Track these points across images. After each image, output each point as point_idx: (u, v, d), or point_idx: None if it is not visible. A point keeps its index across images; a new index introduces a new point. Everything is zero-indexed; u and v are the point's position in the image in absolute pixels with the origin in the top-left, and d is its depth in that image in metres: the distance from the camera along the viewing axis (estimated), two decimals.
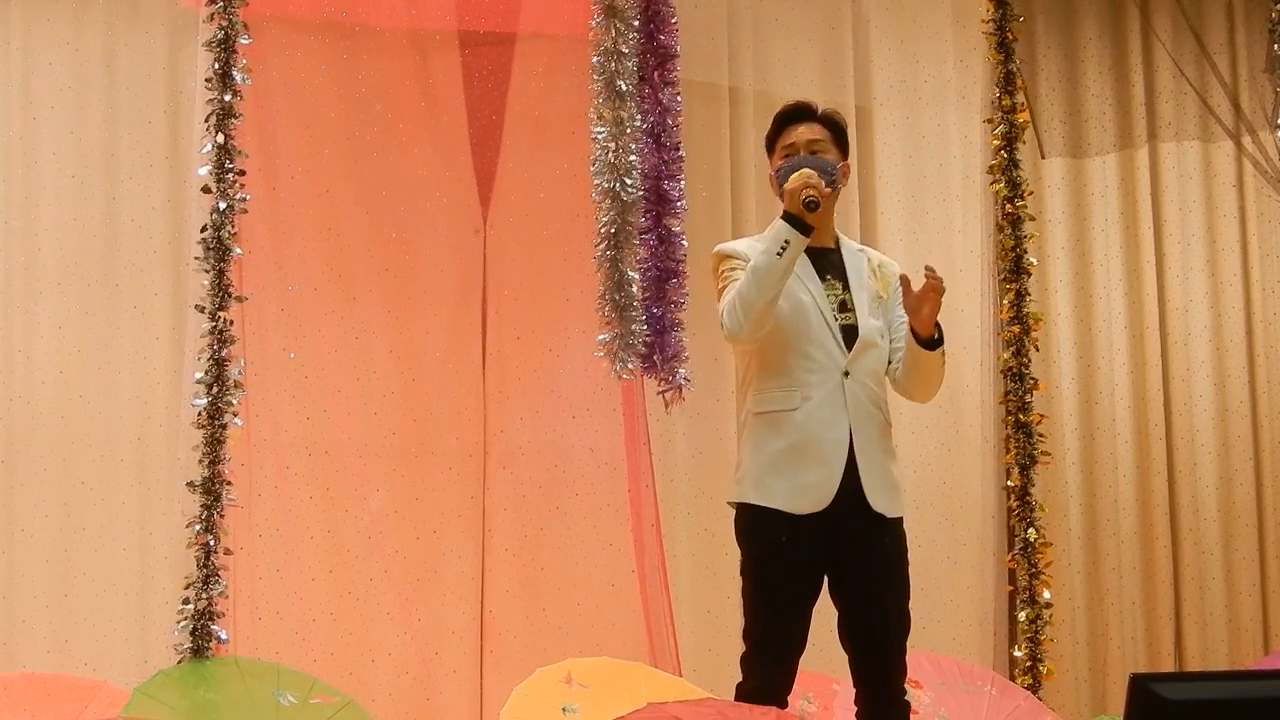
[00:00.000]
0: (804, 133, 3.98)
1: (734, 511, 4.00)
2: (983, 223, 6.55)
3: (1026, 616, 5.95)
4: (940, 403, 6.68)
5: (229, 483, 5.31)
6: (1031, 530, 5.99)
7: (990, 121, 6.28)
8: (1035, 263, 6.24)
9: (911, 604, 6.45)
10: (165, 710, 4.72)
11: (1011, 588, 6.11)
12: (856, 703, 3.91)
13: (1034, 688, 5.86)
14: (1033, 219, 6.26)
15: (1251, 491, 6.97)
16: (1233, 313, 7.07)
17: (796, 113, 4.03)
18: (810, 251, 3.87)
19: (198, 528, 5.26)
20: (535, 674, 5.01)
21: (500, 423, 6.15)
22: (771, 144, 4.05)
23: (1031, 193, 6.29)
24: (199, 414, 5.30)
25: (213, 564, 5.25)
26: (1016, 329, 6.09)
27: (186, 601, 5.23)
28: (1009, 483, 6.09)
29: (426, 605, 6.04)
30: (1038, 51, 7.03)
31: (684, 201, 5.71)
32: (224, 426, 5.31)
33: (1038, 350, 6.18)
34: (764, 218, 6.64)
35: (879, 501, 3.81)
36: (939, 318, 3.83)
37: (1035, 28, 6.99)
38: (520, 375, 6.20)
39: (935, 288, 3.75)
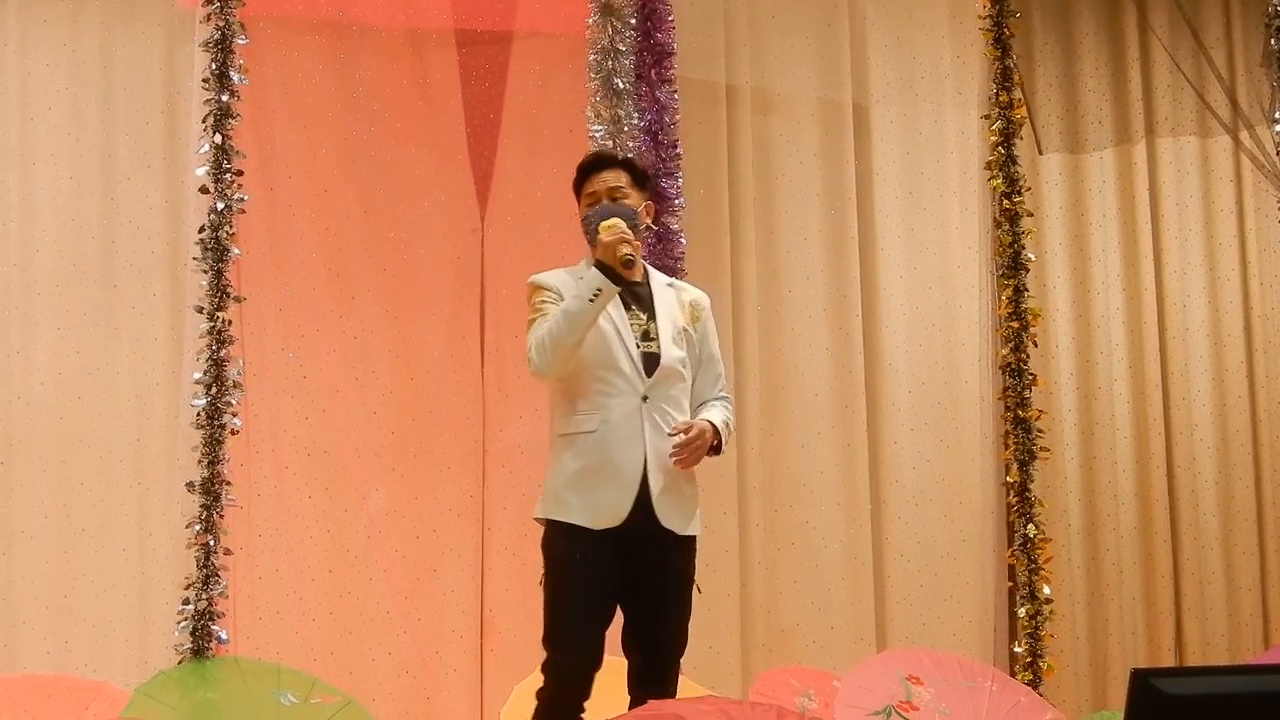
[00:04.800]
0: (606, 179, 4.13)
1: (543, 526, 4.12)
2: (980, 219, 6.55)
3: (1026, 612, 5.95)
4: (939, 399, 6.71)
5: (228, 483, 5.32)
6: (1031, 526, 6.00)
7: (987, 117, 6.28)
8: (1033, 258, 6.24)
9: (912, 599, 6.57)
10: (166, 710, 4.72)
11: (1011, 583, 6.11)
12: (630, 708, 4.04)
13: (1034, 683, 5.86)
14: (1030, 215, 6.26)
15: (1251, 486, 6.98)
16: (1231, 307, 7.07)
17: (597, 161, 4.20)
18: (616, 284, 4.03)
19: (197, 528, 5.26)
20: (536, 672, 5.00)
21: (499, 421, 6.15)
22: (578, 192, 4.19)
23: (1029, 188, 6.29)
24: (198, 414, 5.30)
25: (212, 564, 5.25)
26: (1015, 325, 6.10)
27: (186, 602, 5.24)
28: (1008, 479, 6.10)
29: (426, 604, 6.04)
30: (1035, 47, 7.03)
31: (682, 199, 5.71)
32: (223, 427, 5.31)
33: (1036, 346, 6.18)
34: (761, 215, 6.66)
35: (671, 520, 3.97)
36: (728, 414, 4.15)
37: (1032, 23, 6.99)
38: (519, 373, 6.17)
39: (681, 460, 3.95)
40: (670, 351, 4.03)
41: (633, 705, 4.01)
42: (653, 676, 4.01)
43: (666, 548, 3.98)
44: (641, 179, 4.21)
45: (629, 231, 3.96)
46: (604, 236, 3.95)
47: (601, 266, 3.93)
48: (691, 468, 4.03)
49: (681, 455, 3.95)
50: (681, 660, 4.11)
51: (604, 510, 3.93)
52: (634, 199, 4.13)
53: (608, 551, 3.92)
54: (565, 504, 3.97)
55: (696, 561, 3.98)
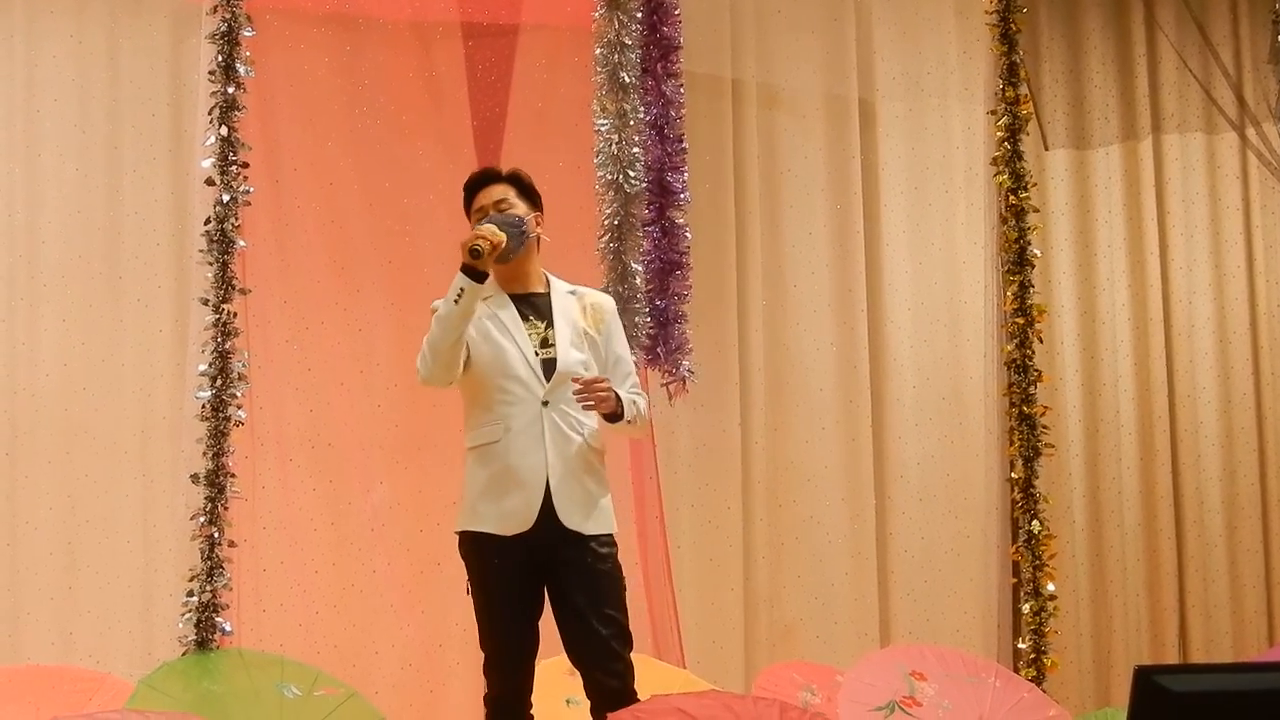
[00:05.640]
0: (491, 193, 4.24)
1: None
2: (986, 215, 6.55)
3: (1030, 608, 5.95)
4: (944, 395, 6.71)
5: (233, 475, 5.32)
6: (1035, 522, 6.00)
7: (993, 113, 6.28)
8: (1039, 254, 6.25)
9: (916, 595, 6.57)
10: (169, 702, 4.72)
11: (1015, 580, 6.12)
12: (591, 713, 4.11)
13: (1038, 679, 5.86)
14: (1036, 210, 6.26)
15: (1256, 483, 6.98)
16: (1236, 304, 7.07)
17: (482, 178, 4.32)
18: (515, 296, 4.16)
19: (202, 520, 5.27)
20: (538, 666, 5.00)
21: None
22: (467, 211, 4.29)
23: (1035, 184, 6.29)
24: (203, 406, 5.31)
25: (216, 556, 5.26)
26: (1020, 321, 6.10)
27: (191, 594, 5.24)
28: (1013, 475, 6.10)
29: (429, 597, 6.04)
30: (1041, 43, 7.03)
31: (687, 193, 5.71)
32: (227, 419, 5.31)
33: (1041, 342, 6.19)
34: (766, 210, 6.66)
35: (574, 520, 4.06)
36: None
37: (1038, 19, 6.99)
38: None
39: (585, 400, 4.02)
40: (568, 355, 4.10)
41: (592, 710, 4.06)
42: (596, 675, 4.03)
43: (578, 548, 4.05)
44: (528, 191, 4.28)
45: (496, 234, 3.99)
46: (464, 239, 4.02)
47: (464, 268, 3.97)
48: (597, 464, 4.12)
49: (583, 392, 3.99)
50: (632, 654, 4.11)
51: (512, 517, 4.02)
52: (521, 209, 4.20)
53: (521, 556, 4.02)
54: (478, 515, 4.07)
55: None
